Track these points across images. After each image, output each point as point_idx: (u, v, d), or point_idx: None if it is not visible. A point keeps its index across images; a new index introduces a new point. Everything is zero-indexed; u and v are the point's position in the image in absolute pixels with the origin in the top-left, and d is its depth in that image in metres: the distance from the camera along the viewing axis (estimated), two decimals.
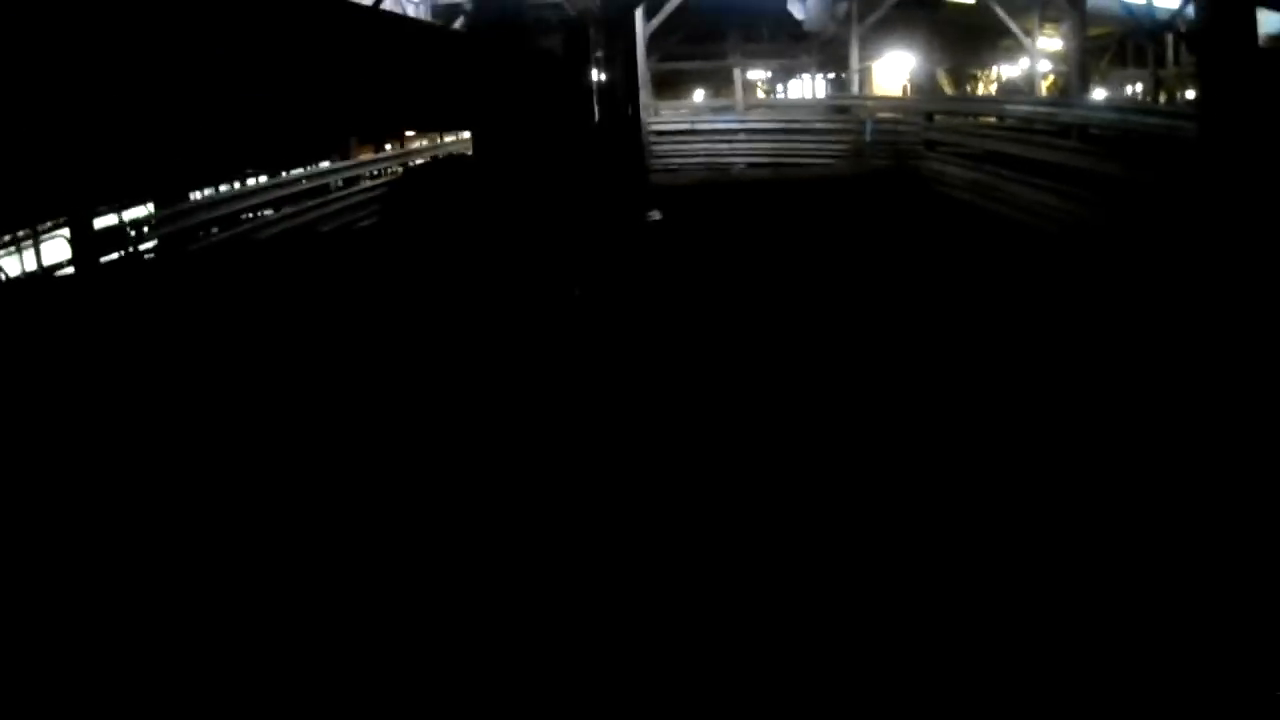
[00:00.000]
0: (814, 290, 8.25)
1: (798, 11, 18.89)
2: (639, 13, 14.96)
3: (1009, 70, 17.71)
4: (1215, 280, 7.21)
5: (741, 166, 16.52)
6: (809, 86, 19.34)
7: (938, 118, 14.33)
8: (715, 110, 19.38)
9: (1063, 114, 12.98)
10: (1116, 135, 12.18)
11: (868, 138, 14.48)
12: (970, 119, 14.29)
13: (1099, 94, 16.69)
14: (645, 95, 15.37)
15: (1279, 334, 5.92)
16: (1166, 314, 6.96)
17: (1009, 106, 13.56)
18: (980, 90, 17.40)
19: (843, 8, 18.31)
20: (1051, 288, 8.25)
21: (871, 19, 17.79)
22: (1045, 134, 12.76)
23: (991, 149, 12.78)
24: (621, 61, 11.73)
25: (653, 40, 16.78)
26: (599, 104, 11.77)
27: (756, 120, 17.40)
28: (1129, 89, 18.43)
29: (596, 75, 11.66)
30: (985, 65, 17.75)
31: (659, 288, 8.43)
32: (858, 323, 7.12)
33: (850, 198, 13.03)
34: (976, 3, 17.85)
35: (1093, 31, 16.74)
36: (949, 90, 16.91)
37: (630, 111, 12.47)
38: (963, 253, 10.03)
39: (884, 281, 8.60)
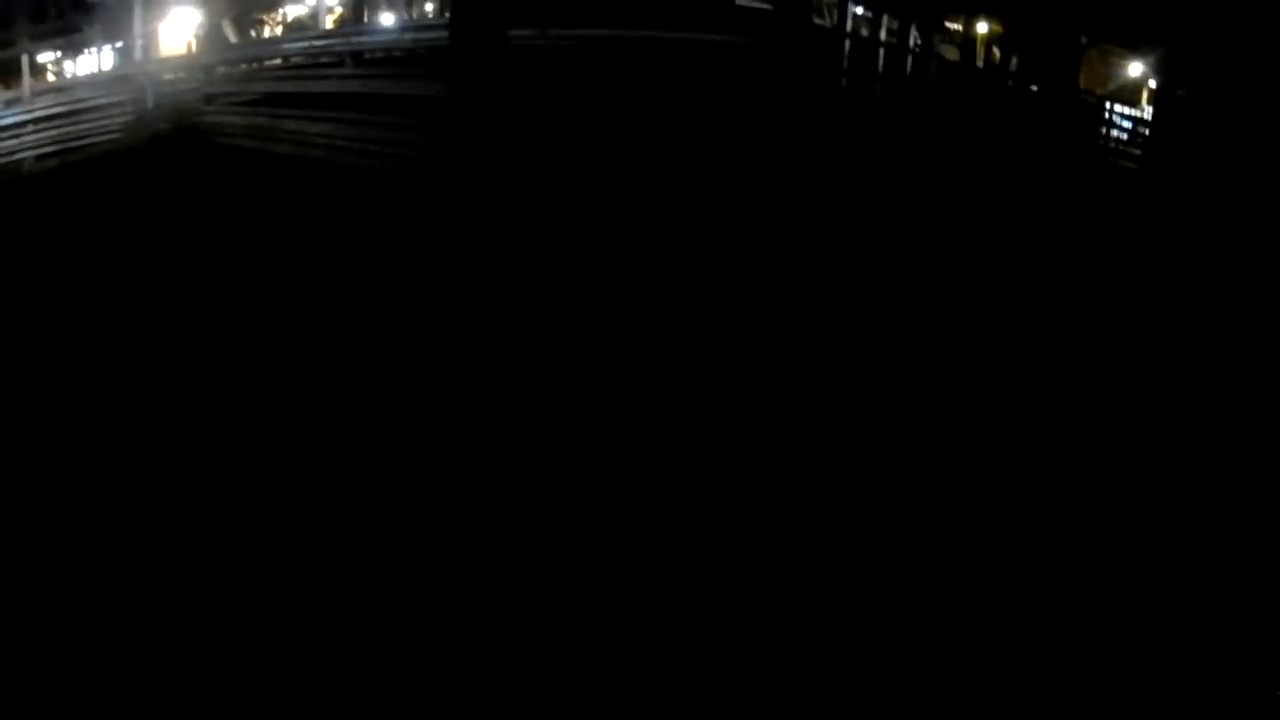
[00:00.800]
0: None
1: None
2: None
3: (296, 9, 17.70)
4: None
5: (32, 159, 14.99)
6: (98, 60, 17.93)
7: (218, 70, 13.91)
8: (5, 104, 17.38)
9: (338, 44, 13.44)
10: (400, 55, 12.90)
11: (150, 104, 13.68)
12: (252, 65, 13.99)
13: (389, 18, 17.18)
14: None
15: None
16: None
17: (285, 45, 13.62)
18: (269, 33, 17.18)
19: None
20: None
21: None
22: (325, 66, 13.13)
23: (269, 90, 13.00)
24: None
25: None
26: None
27: (44, 107, 15.84)
28: (429, 7, 19.18)
29: None
30: (272, 7, 17.55)
31: None
32: None
33: (128, 167, 12.40)
34: None
35: None
36: (235, 39, 16.47)
37: None
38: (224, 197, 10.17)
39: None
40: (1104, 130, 19.29)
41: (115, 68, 17.76)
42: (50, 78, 19.42)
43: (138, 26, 16.08)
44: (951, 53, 19.45)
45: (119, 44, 19.25)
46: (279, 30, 18.78)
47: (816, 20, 19.04)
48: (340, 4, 17.72)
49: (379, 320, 6.52)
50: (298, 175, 10.82)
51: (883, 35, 15.84)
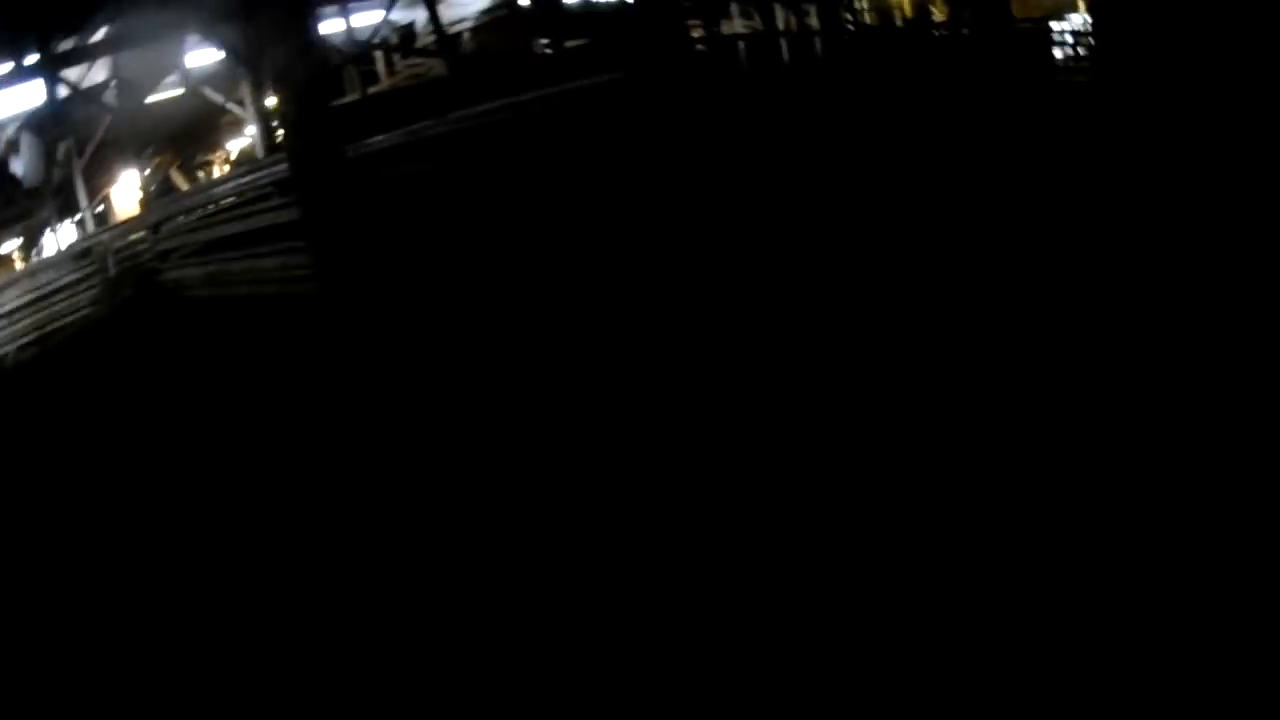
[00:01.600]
0: None
1: (18, 169, 17.74)
2: None
3: (241, 142, 17.88)
4: None
5: (12, 353, 15.17)
6: (54, 241, 18.20)
7: (165, 225, 14.00)
8: None
9: (264, 176, 13.12)
10: None
11: (112, 273, 13.83)
12: (194, 213, 14.09)
13: None
14: None
15: None
16: None
17: (215, 190, 13.61)
18: (217, 171, 17.40)
19: (61, 148, 17.41)
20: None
21: (91, 147, 17.08)
22: (259, 200, 13.01)
23: (216, 235, 12.90)
24: None
25: None
26: None
27: (13, 299, 16.04)
28: None
29: None
30: (216, 147, 17.80)
31: None
32: None
33: (102, 341, 12.54)
34: (185, 91, 17.70)
35: None
36: (184, 186, 16.71)
37: None
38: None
39: None
40: (1048, 52, 19.09)
41: (73, 243, 18.15)
42: (18, 265, 19.82)
43: (83, 198, 16.40)
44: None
45: (76, 217, 19.64)
46: (227, 167, 19.08)
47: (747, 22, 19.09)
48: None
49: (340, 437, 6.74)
50: (258, 313, 10.82)
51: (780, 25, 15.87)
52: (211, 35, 14.56)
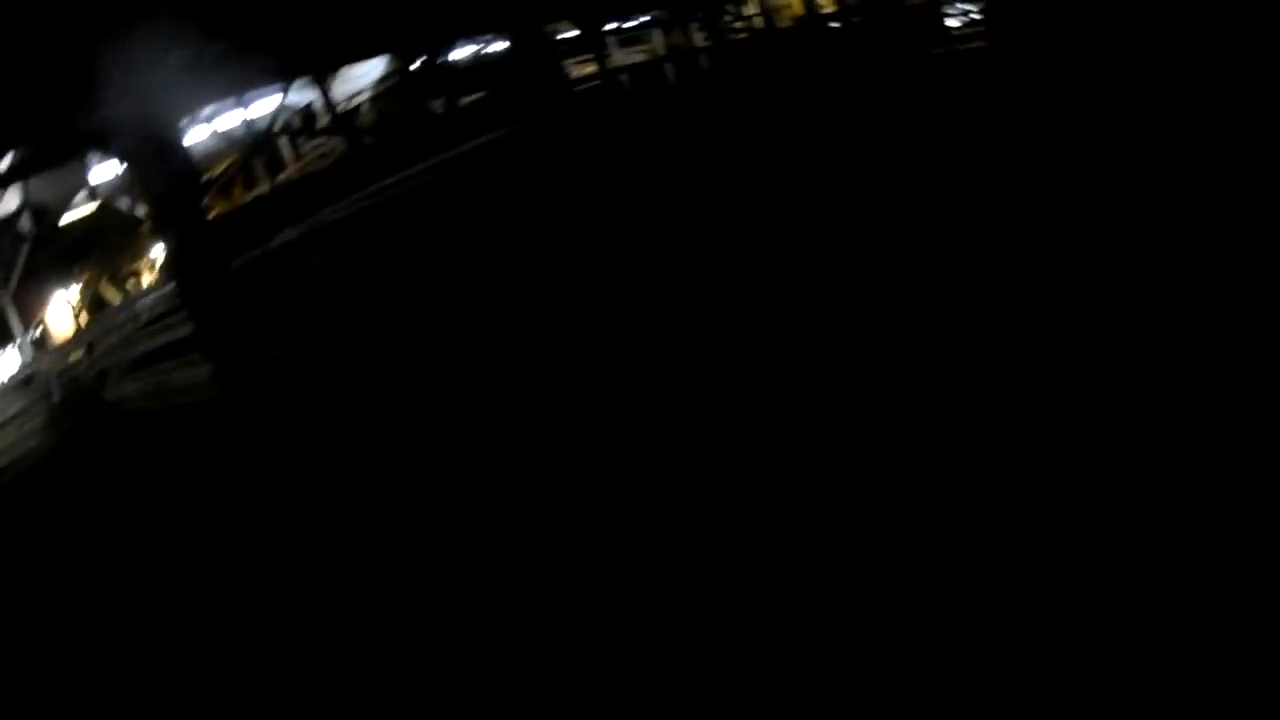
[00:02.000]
0: None
1: None
2: None
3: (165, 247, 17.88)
4: None
5: None
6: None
7: (100, 344, 14.07)
8: None
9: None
10: None
11: (55, 398, 13.84)
12: (129, 326, 14.18)
13: None
14: None
15: None
16: None
17: (138, 304, 13.71)
18: (145, 280, 17.45)
19: None
20: None
21: (17, 275, 17.08)
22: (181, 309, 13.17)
23: (149, 348, 13.06)
24: None
25: None
26: None
27: None
28: None
29: None
30: (140, 254, 17.82)
31: None
32: None
33: (55, 472, 12.51)
34: (97, 208, 17.72)
35: (222, 166, 17.62)
36: (117, 298, 16.73)
37: None
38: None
39: None
40: (941, 25, 19.43)
41: (14, 374, 18.14)
42: None
43: (15, 326, 16.39)
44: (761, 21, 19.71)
45: (15, 344, 19.59)
46: (156, 273, 19.08)
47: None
48: None
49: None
50: (201, 423, 10.95)
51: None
52: (108, 150, 14.60)
